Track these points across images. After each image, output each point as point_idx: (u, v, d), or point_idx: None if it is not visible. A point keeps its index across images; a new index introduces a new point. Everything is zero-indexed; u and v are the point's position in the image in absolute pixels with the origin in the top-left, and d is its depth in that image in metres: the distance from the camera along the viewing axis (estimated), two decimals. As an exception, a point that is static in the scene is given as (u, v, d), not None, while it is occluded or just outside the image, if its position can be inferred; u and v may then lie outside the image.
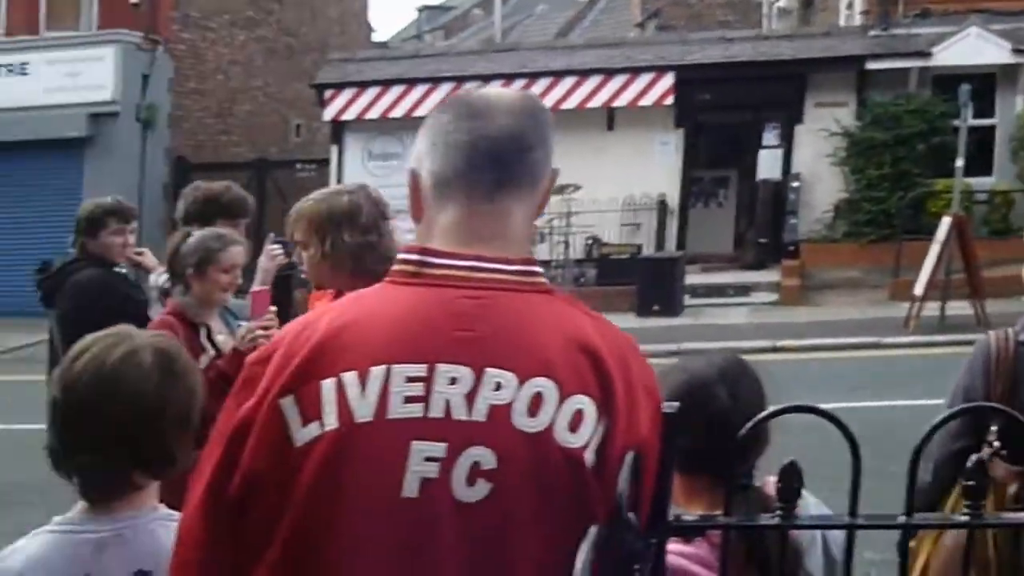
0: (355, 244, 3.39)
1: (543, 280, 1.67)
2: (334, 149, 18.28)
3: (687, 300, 15.61)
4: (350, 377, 1.57)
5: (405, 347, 1.58)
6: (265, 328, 3.86)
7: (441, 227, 1.68)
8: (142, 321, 4.05)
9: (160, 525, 2.14)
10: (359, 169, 17.87)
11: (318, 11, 23.88)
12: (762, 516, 1.73)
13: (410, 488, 1.52)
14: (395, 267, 1.68)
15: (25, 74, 19.34)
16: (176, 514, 2.03)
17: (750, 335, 13.41)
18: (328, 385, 1.57)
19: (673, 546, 1.81)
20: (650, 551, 1.58)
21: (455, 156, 1.68)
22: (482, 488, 1.52)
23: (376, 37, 28.97)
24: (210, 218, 4.69)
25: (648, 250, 17.02)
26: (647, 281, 15.16)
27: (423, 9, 38.00)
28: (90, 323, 4.52)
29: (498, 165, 1.67)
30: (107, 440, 2.07)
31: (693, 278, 16.10)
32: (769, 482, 1.92)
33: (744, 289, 16.48)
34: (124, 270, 5.32)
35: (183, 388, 2.16)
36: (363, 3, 26.52)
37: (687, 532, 1.90)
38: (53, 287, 5.11)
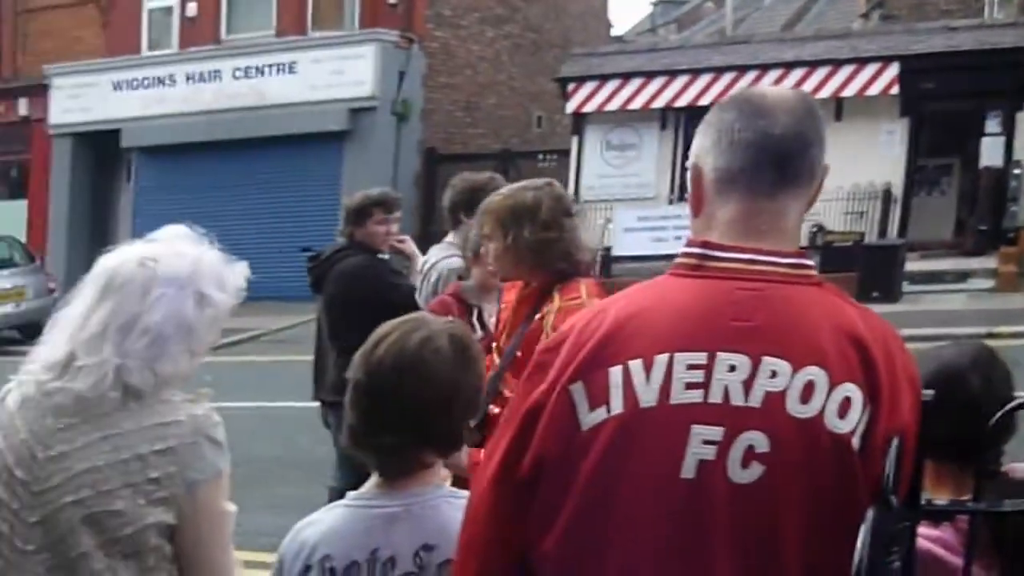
0: (535, 240, 3.42)
1: (814, 272, 1.71)
2: (574, 140, 18.73)
3: (906, 287, 15.48)
4: (636, 365, 1.63)
5: (687, 336, 1.63)
6: None
7: (721, 221, 1.72)
8: (404, 306, 4.19)
9: (445, 502, 2.21)
10: (597, 159, 18.39)
11: (561, 8, 24.39)
12: (1010, 502, 1.76)
13: (688, 469, 1.58)
14: (677, 260, 1.74)
15: (293, 72, 20.32)
16: (460, 492, 2.18)
17: (967, 321, 13.17)
18: (616, 372, 1.64)
19: (921, 529, 1.80)
20: (905, 534, 1.59)
21: (740, 154, 1.71)
22: (755, 470, 1.56)
23: (614, 32, 29.40)
24: (474, 207, 4.70)
25: (871, 238, 16.90)
26: (869, 268, 15.12)
27: (657, 3, 38.27)
28: (355, 307, 4.93)
29: (781, 163, 1.70)
30: (405, 420, 2.15)
31: (912, 265, 15.95)
32: (1016, 468, 2.02)
33: (962, 276, 16.22)
34: (387, 257, 5.56)
35: (474, 373, 2.24)
36: (603, 0, 26.93)
37: (938, 516, 1.96)
38: (321, 273, 5.36)
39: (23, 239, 21.34)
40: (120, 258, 2.38)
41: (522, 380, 1.81)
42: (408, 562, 2.15)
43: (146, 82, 21.71)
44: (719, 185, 1.72)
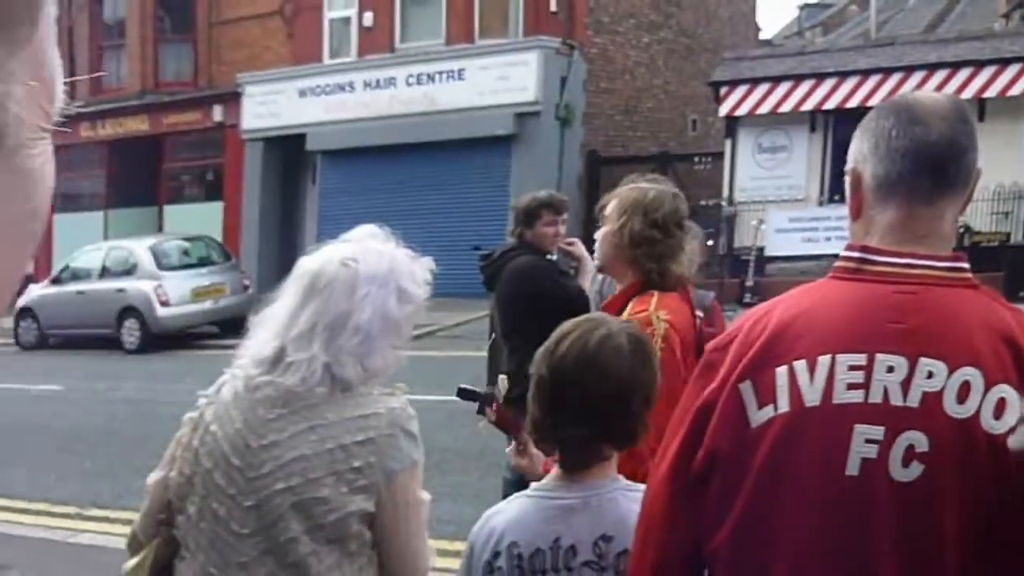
0: (639, 233, 3.41)
1: (970, 275, 1.71)
2: (728, 143, 19.07)
3: (1053, 287, 15.44)
4: (800, 365, 1.66)
5: (847, 338, 1.65)
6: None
7: (880, 226, 1.73)
8: (572, 306, 4.29)
9: (621, 494, 2.24)
10: (749, 162, 18.78)
11: (712, 13, 24.61)
12: None
13: (852, 467, 1.60)
14: (837, 263, 1.77)
15: (462, 79, 20.61)
16: (635, 486, 2.21)
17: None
18: (781, 372, 1.67)
19: None
20: None
21: (899, 160, 1.71)
22: (915, 469, 1.58)
23: (762, 36, 29.56)
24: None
25: (1016, 238, 17.00)
26: (1015, 268, 15.28)
27: (804, 7, 38.53)
28: (525, 305, 5.06)
29: (938, 170, 1.71)
30: (586, 415, 2.18)
31: (1058, 264, 15.87)
32: None
33: (1108, 274, 16.05)
34: (555, 258, 5.52)
35: (651, 371, 2.27)
36: (752, 4, 27.05)
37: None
38: (494, 272, 5.35)
39: (219, 239, 22.25)
40: (322, 259, 2.40)
41: (692, 378, 1.85)
42: (588, 551, 2.20)
43: (328, 88, 22.24)
44: (878, 191, 1.75)
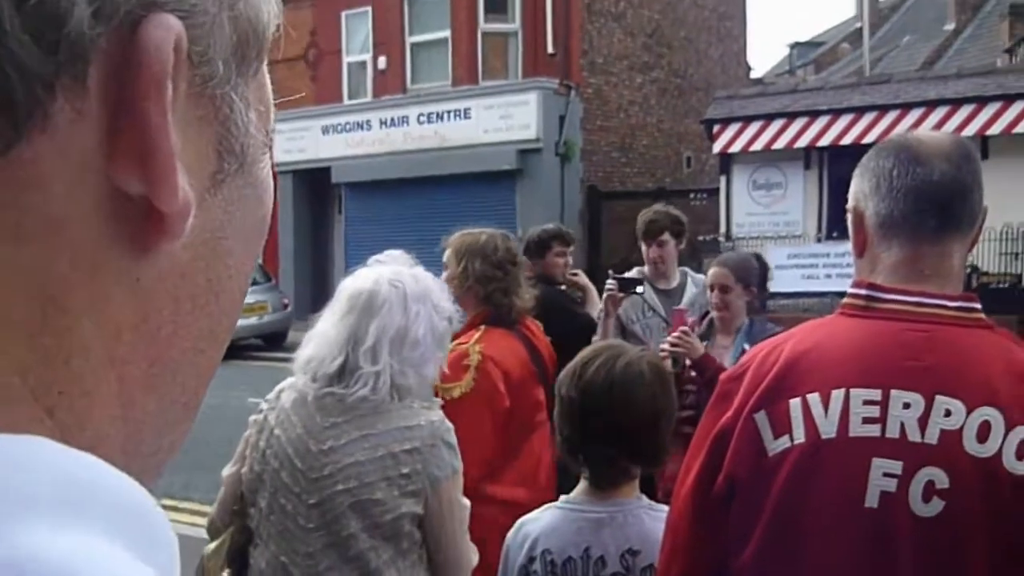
0: (481, 274, 3.31)
1: (982, 316, 1.52)
2: (723, 179, 16.59)
3: (1066, 328, 12.86)
4: (814, 398, 1.48)
5: (860, 373, 1.46)
6: (672, 344, 3.70)
7: (886, 264, 1.56)
8: (585, 333, 4.06)
9: (646, 513, 2.07)
10: (745, 198, 16.12)
11: (703, 53, 22.20)
12: None
13: (871, 499, 1.42)
14: (846, 300, 1.57)
15: (468, 117, 19.24)
16: (658, 506, 2.05)
17: None
18: (795, 404, 1.49)
19: None
20: None
21: (901, 200, 1.53)
22: (936, 505, 1.40)
23: (753, 75, 26.81)
24: (654, 235, 4.65)
25: None
26: None
27: (794, 46, 34.68)
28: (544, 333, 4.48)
29: (942, 210, 1.52)
30: (613, 436, 2.02)
31: (1070, 306, 13.13)
32: None
33: (1120, 316, 13.48)
34: (564, 288, 5.05)
35: (670, 395, 2.11)
36: (742, 45, 24.34)
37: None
38: None
39: (260, 262, 20.59)
40: (371, 281, 2.28)
41: (708, 407, 1.67)
42: (616, 563, 2.03)
43: (348, 126, 20.93)
44: (882, 229, 1.56)
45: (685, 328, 3.84)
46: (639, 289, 4.32)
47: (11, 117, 0.32)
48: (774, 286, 14.07)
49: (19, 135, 0.32)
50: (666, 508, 1.87)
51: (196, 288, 0.39)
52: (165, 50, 0.34)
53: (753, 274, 4.03)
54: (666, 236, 4.70)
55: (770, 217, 15.83)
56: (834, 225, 14.89)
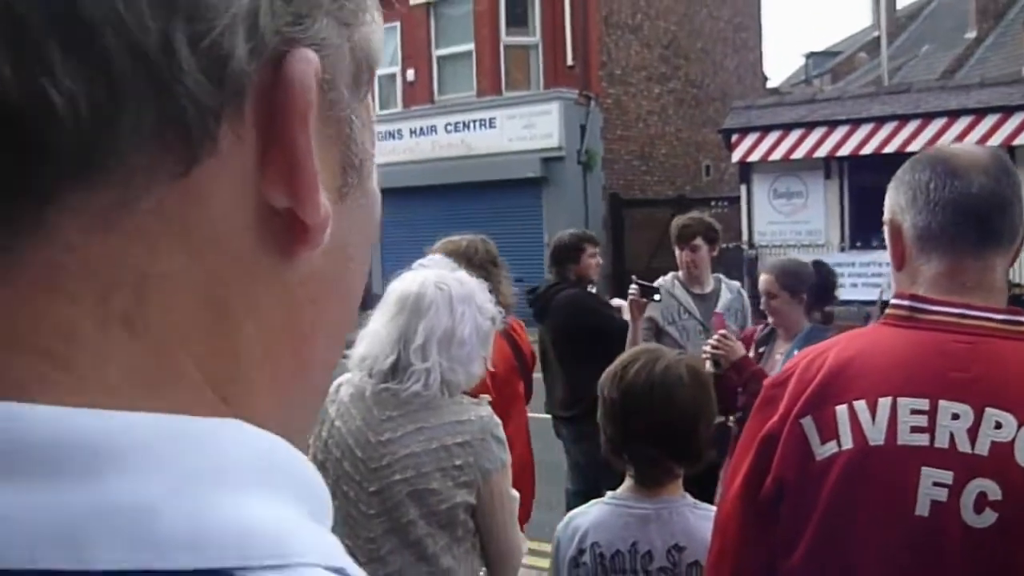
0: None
1: None
2: (743, 188, 15.65)
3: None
4: (860, 405, 1.40)
5: (906, 382, 1.39)
6: (713, 346, 3.63)
7: (927, 276, 1.47)
8: (619, 335, 4.05)
9: (690, 511, 2.03)
10: (766, 207, 15.20)
11: (719, 64, 21.26)
12: None
13: (922, 508, 1.35)
14: (889, 311, 1.49)
15: (493, 127, 18.62)
16: (702, 504, 2.02)
17: None
18: (841, 410, 1.42)
19: None
20: None
21: (939, 212, 1.45)
22: (989, 516, 1.32)
23: (769, 84, 25.54)
24: (687, 239, 4.52)
25: None
26: None
27: (810, 55, 33.15)
28: (578, 332, 4.46)
29: (982, 223, 1.44)
30: (656, 437, 1.98)
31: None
32: None
33: None
34: (594, 290, 4.96)
35: (710, 397, 2.04)
36: (757, 55, 23.35)
37: None
38: (543, 305, 4.75)
39: None
40: (417, 283, 2.27)
41: (754, 411, 1.57)
42: (663, 558, 1.99)
43: (380, 135, 19.07)
44: (920, 242, 1.48)
45: (725, 331, 3.78)
46: (656, 297, 4.26)
47: (189, 144, 0.34)
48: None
49: (196, 159, 0.34)
50: (710, 507, 1.86)
51: (330, 290, 0.42)
52: (308, 83, 0.37)
53: (803, 281, 3.83)
54: (699, 241, 4.56)
55: (792, 226, 14.92)
56: (857, 234, 14.04)
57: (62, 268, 0.33)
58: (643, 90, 19.48)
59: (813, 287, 3.88)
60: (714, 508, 1.82)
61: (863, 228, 13.87)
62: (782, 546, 1.47)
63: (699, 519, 1.94)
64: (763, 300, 3.94)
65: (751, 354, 3.87)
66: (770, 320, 3.96)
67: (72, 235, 0.33)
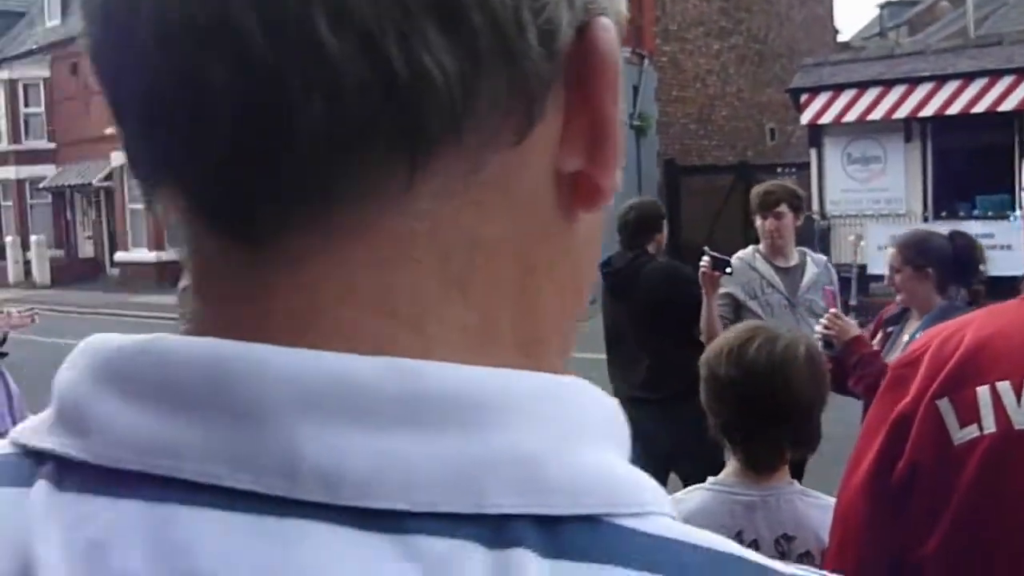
0: None
1: None
2: (813, 153, 14.36)
3: None
4: (1004, 386, 1.31)
5: None
6: (825, 326, 3.52)
7: None
8: (698, 310, 4.02)
9: (799, 498, 1.95)
10: (839, 173, 13.87)
11: (784, 17, 19.87)
12: None
13: None
14: None
15: None
16: (811, 491, 1.97)
17: None
18: (983, 391, 1.32)
19: None
20: None
21: None
22: None
23: (840, 38, 23.91)
24: (769, 206, 4.26)
25: None
26: None
27: (885, 5, 30.94)
28: (673, 306, 4.31)
29: None
30: (772, 417, 1.89)
31: None
32: None
33: None
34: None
35: (825, 379, 1.98)
36: (828, 6, 21.90)
37: None
38: (626, 279, 4.43)
39: None
40: None
41: (880, 393, 1.48)
42: (770, 548, 1.89)
43: None
44: None
45: (836, 310, 3.66)
46: (728, 270, 4.09)
47: (527, 114, 0.37)
48: (875, 268, 11.91)
49: (530, 128, 0.37)
50: (820, 495, 1.88)
51: (593, 249, 0.44)
52: (614, 51, 0.38)
53: (932, 255, 3.58)
54: (783, 208, 4.28)
55: (868, 194, 13.56)
56: (941, 203, 12.71)
57: (414, 234, 0.36)
58: (701, 47, 18.20)
59: (947, 261, 3.60)
60: (824, 496, 1.80)
61: (948, 196, 12.69)
62: (913, 534, 1.37)
63: (809, 507, 1.89)
64: (886, 275, 3.83)
65: (879, 335, 3.72)
66: (897, 299, 3.79)
67: (425, 203, 0.36)
